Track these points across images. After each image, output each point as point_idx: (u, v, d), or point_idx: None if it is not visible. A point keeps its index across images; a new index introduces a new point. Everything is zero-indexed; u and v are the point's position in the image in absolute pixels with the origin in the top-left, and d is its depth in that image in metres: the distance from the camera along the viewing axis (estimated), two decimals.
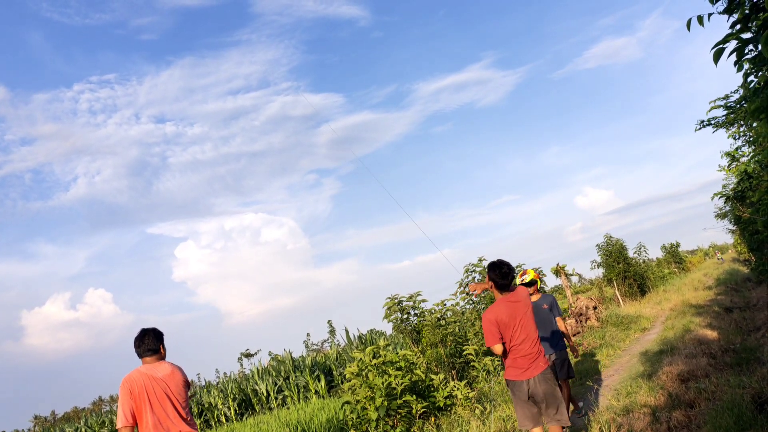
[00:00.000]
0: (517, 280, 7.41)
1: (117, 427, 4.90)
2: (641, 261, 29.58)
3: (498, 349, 5.15)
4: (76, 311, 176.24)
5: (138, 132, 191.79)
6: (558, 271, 21.57)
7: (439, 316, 12.30)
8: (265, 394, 25.30)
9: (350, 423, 8.54)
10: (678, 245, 48.23)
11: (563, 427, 5.23)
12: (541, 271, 16.62)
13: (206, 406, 25.79)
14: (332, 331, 74.28)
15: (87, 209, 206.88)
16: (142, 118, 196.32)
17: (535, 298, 7.65)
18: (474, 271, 15.59)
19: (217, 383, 27.89)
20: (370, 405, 8.18)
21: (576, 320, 17.75)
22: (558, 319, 7.63)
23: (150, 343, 5.26)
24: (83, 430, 28.38)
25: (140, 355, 5.24)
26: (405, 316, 12.56)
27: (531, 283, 7.52)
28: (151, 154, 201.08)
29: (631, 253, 28.48)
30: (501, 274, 5.24)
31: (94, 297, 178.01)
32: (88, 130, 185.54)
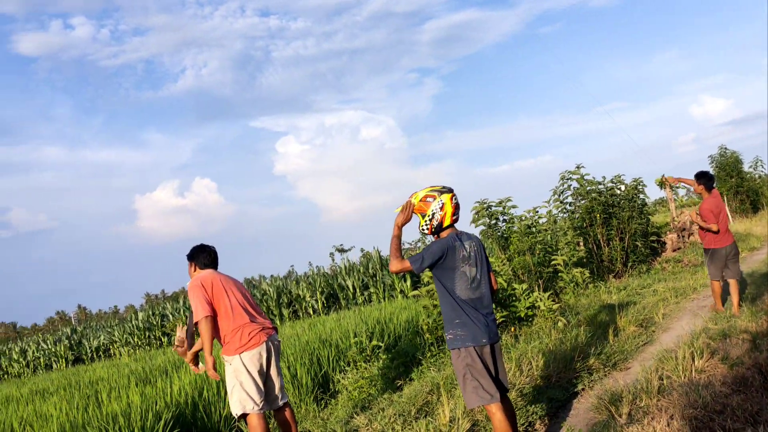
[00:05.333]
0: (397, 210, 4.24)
1: (196, 320, 4.79)
2: (757, 176, 27.78)
3: (714, 227, 7.75)
4: (183, 198, 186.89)
5: (243, 25, 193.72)
6: (662, 183, 20.27)
7: (529, 223, 11.76)
8: (351, 290, 25.95)
9: (425, 327, 8.39)
10: None
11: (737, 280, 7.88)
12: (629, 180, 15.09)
13: (295, 297, 26.83)
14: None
15: (194, 101, 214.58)
16: (247, 11, 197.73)
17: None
18: (570, 179, 14.77)
19: (307, 277, 28.78)
20: None
21: (678, 235, 16.74)
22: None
23: (217, 259, 5.36)
24: (181, 310, 30.39)
25: (205, 266, 5.27)
26: (493, 222, 12.12)
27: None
28: (255, 48, 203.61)
29: (746, 167, 26.92)
30: (707, 178, 8.08)
31: (200, 186, 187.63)
32: (196, 21, 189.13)
